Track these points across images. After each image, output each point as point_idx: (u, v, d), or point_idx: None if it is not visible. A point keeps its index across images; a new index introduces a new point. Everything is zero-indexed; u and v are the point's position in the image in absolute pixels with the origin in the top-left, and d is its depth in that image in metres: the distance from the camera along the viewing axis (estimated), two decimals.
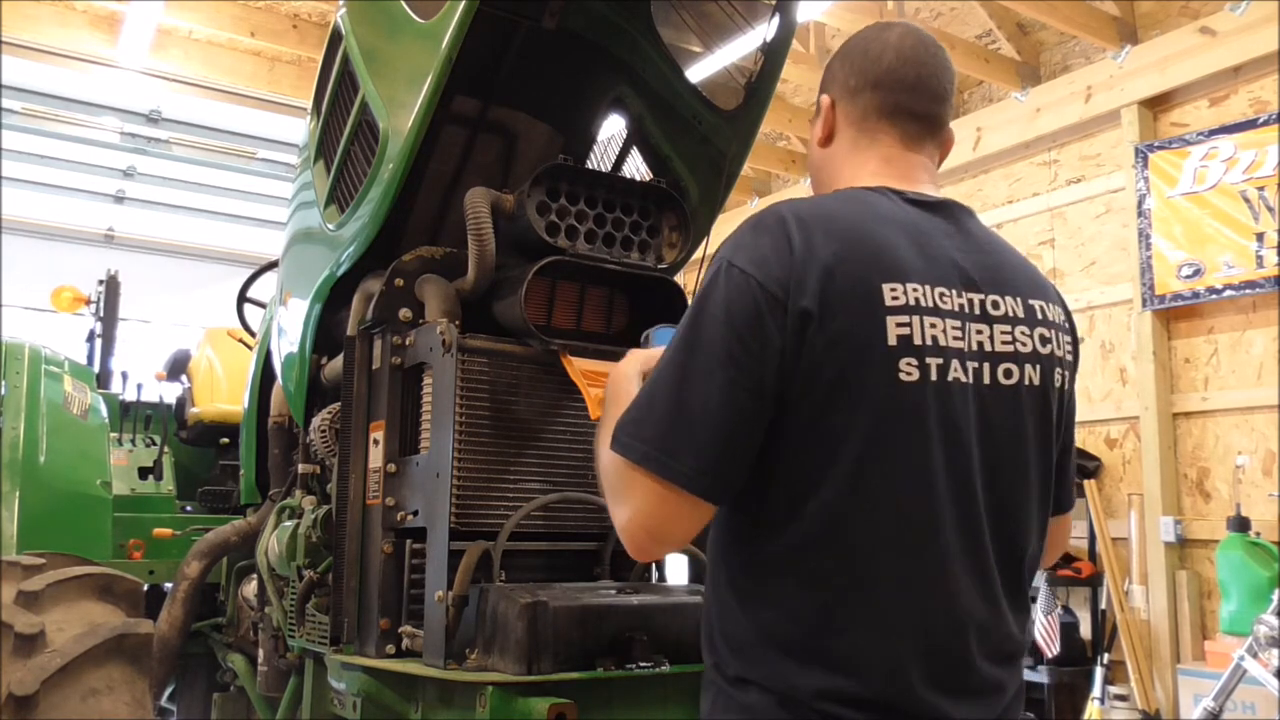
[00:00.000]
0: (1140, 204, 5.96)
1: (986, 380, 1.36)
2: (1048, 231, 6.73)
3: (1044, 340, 1.42)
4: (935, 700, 1.29)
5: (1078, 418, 5.64)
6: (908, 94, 1.48)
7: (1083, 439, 6.35)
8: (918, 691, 1.28)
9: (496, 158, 2.84)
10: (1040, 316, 1.44)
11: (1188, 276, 5.73)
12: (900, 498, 1.29)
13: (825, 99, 1.54)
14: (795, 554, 1.29)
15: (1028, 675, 5.84)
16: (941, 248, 1.39)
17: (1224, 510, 5.45)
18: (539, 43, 2.64)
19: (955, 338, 1.33)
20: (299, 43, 7.04)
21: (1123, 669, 5.73)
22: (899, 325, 1.28)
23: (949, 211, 1.47)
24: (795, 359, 1.26)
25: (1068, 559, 6.17)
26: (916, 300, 1.30)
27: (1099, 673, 5.72)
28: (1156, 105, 6.07)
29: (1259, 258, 5.41)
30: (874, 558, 1.28)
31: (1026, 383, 1.39)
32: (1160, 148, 5.90)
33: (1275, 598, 4.45)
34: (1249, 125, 5.52)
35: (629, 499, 1.29)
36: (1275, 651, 4.25)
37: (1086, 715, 5.73)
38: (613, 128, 2.90)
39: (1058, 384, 1.44)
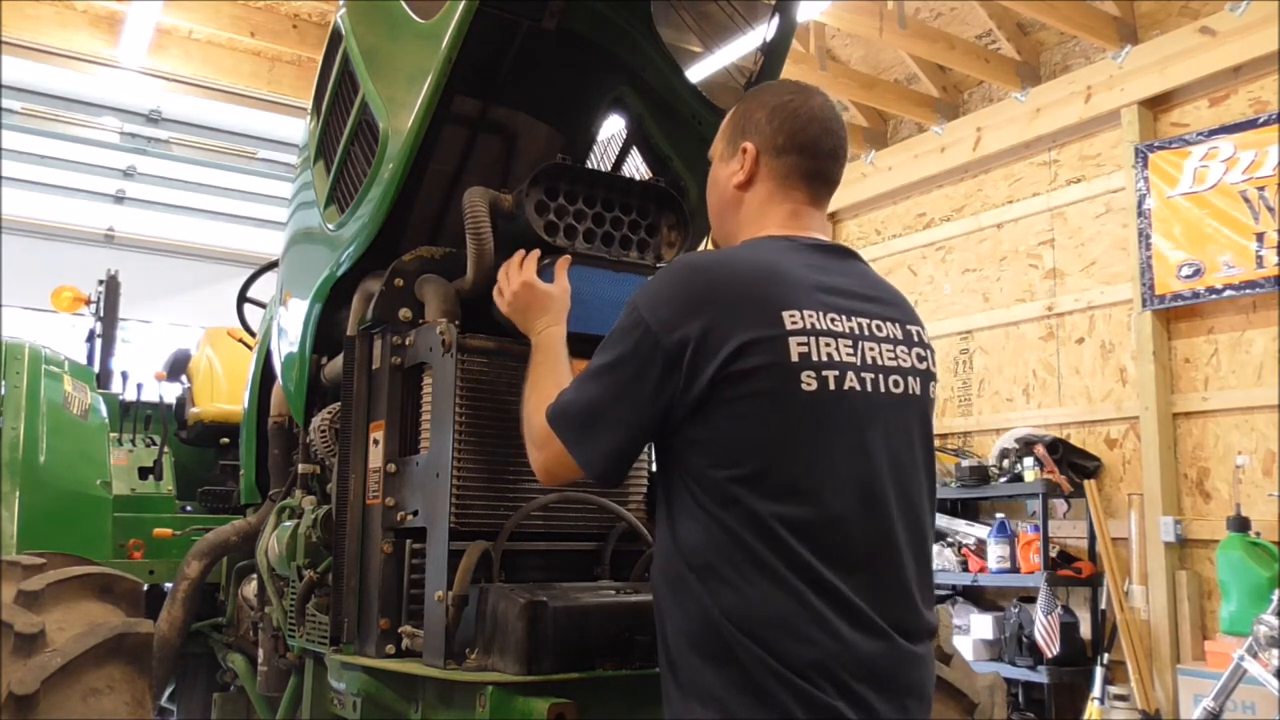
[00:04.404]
0: (1140, 204, 5.97)
1: (882, 389, 1.62)
2: (1048, 231, 6.74)
3: (920, 359, 1.70)
4: (863, 691, 1.48)
5: (1078, 418, 5.66)
6: (825, 161, 1.75)
7: (1083, 439, 6.36)
8: (851, 686, 1.47)
9: (496, 158, 2.84)
10: (915, 339, 1.72)
11: (1188, 276, 5.74)
12: (807, 496, 1.51)
13: (750, 147, 1.75)
14: (732, 549, 1.50)
15: (1028, 675, 5.86)
16: (831, 282, 1.64)
17: (1224, 510, 5.45)
18: (539, 43, 2.64)
19: (848, 354, 1.59)
20: (299, 43, 7.04)
21: (1123, 669, 5.74)
22: (799, 345, 1.54)
23: (838, 253, 1.74)
24: (704, 385, 1.51)
25: (1068, 559, 6.18)
26: (812, 324, 1.56)
27: (1099, 673, 5.72)
28: (1156, 105, 6.08)
29: (1259, 258, 5.42)
30: (793, 550, 1.49)
31: (911, 393, 1.66)
32: (1160, 148, 5.90)
33: (1275, 598, 4.45)
34: (1249, 125, 5.52)
35: (546, 451, 1.68)
36: (1275, 651, 4.26)
37: (1086, 715, 5.73)
38: (613, 128, 2.91)
39: (932, 396, 1.74)
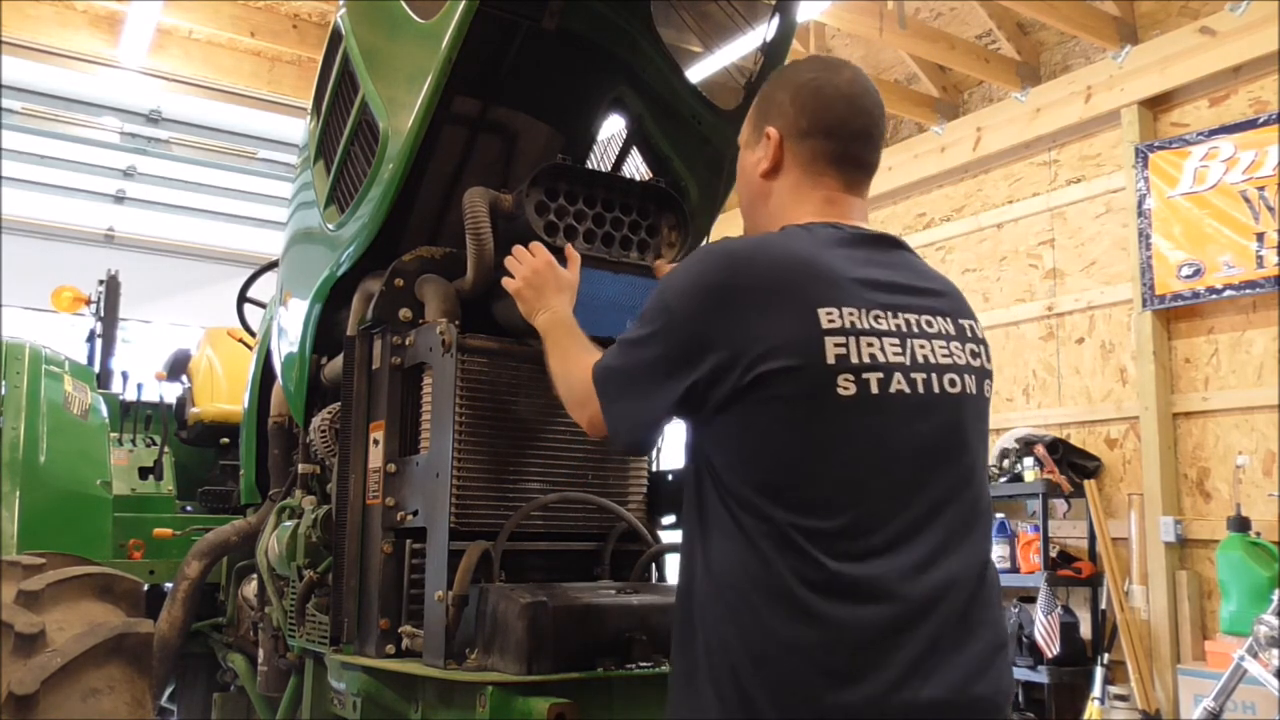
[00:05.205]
0: (1140, 204, 5.96)
1: (936, 390, 1.49)
2: (1048, 231, 6.73)
3: (974, 355, 1.58)
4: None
5: (1078, 418, 5.64)
6: (856, 144, 1.61)
7: (1083, 439, 6.36)
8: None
9: (496, 158, 2.84)
10: (969, 334, 1.59)
11: (1188, 276, 5.73)
12: (840, 511, 1.39)
13: (773, 132, 1.63)
14: (761, 571, 1.39)
15: (1028, 675, 5.85)
16: (875, 275, 1.51)
17: (1224, 510, 5.45)
18: (539, 43, 2.64)
19: (895, 353, 1.45)
20: (299, 43, 7.04)
21: (1123, 669, 5.73)
22: (836, 346, 1.41)
23: (883, 243, 1.59)
24: (729, 387, 1.41)
25: (1068, 559, 6.18)
26: (852, 323, 1.43)
27: (1099, 673, 5.72)
28: (1156, 105, 6.07)
29: (1259, 258, 5.41)
30: (831, 577, 1.37)
31: (967, 391, 1.53)
32: (1160, 148, 5.90)
33: (1275, 598, 4.45)
34: (1249, 125, 5.52)
35: (590, 408, 1.62)
36: (1275, 651, 4.25)
37: (1086, 715, 5.73)
38: (613, 128, 2.91)
39: (987, 395, 1.60)
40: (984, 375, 1.59)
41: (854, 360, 1.41)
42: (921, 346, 1.49)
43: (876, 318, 1.46)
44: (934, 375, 1.49)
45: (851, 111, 1.60)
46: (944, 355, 1.51)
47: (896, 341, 1.46)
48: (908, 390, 1.45)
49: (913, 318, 1.51)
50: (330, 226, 2.46)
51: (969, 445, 1.53)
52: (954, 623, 1.42)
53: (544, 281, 1.97)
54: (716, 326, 1.43)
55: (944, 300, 1.58)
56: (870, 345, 1.43)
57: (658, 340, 1.50)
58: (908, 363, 1.46)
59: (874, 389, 1.42)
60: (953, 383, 1.51)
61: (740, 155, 1.74)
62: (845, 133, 1.60)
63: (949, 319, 1.56)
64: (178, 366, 5.10)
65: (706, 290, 1.46)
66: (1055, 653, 5.66)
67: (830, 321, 1.42)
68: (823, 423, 1.41)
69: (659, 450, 2.50)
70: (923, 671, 1.37)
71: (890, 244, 1.61)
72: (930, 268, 1.66)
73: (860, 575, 1.37)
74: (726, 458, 1.46)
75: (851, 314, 1.44)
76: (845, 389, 1.40)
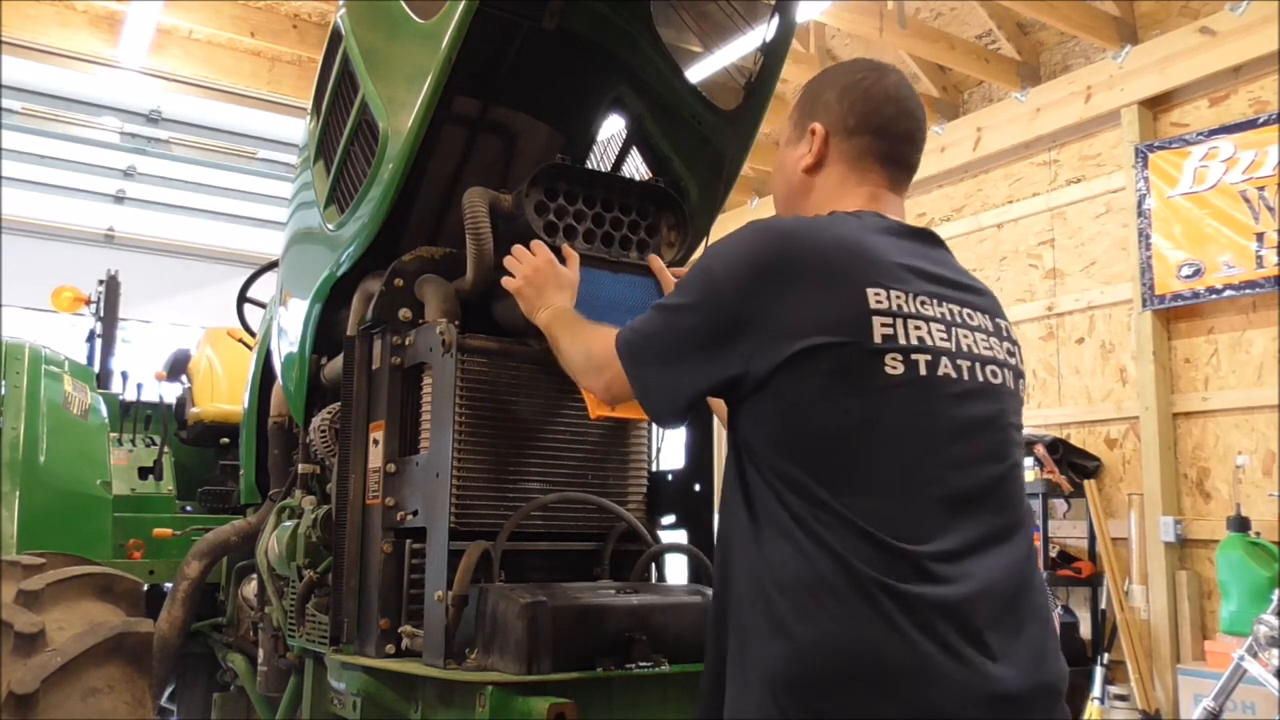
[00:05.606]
0: (1140, 204, 5.97)
1: (980, 379, 1.49)
2: (1048, 231, 6.74)
3: (1010, 353, 1.59)
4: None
5: (1078, 418, 5.65)
6: (902, 145, 1.64)
7: (1083, 439, 6.36)
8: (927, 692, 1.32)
9: (496, 158, 2.84)
10: (1004, 333, 1.60)
11: (1188, 276, 5.73)
12: (891, 486, 1.38)
13: (819, 128, 1.64)
14: (821, 561, 1.35)
15: None
16: (921, 265, 1.51)
17: (1224, 510, 5.45)
18: (539, 43, 2.64)
19: (942, 339, 1.46)
20: (299, 43, 7.05)
21: (1123, 669, 5.74)
22: (883, 325, 1.41)
23: (927, 238, 1.61)
24: (774, 362, 1.40)
25: (1067, 559, 6.18)
26: (899, 305, 1.43)
27: (1099, 673, 5.72)
28: (1156, 105, 6.08)
29: (1259, 258, 5.42)
30: (891, 559, 1.34)
31: (1008, 385, 1.54)
32: (1160, 148, 5.90)
33: (1275, 598, 4.45)
34: (1249, 125, 5.52)
35: (609, 372, 1.63)
36: (1275, 651, 4.25)
37: (1086, 715, 5.73)
38: (613, 128, 2.91)
39: (1022, 395, 1.61)
40: (1019, 374, 1.60)
41: (901, 341, 1.41)
42: (965, 336, 1.50)
43: (923, 303, 1.46)
44: (978, 365, 1.49)
45: (899, 113, 1.63)
46: (986, 348, 1.52)
47: (943, 328, 1.47)
48: (954, 375, 1.45)
49: (956, 308, 1.51)
50: (330, 226, 2.46)
51: (1011, 437, 1.53)
52: (1007, 608, 1.41)
53: (545, 280, 1.98)
54: (763, 302, 1.42)
55: (982, 298, 1.60)
56: (918, 329, 1.43)
57: (698, 311, 1.48)
58: (954, 349, 1.47)
59: (922, 370, 1.42)
60: (994, 374, 1.51)
61: (780, 152, 1.74)
62: (893, 133, 1.63)
63: (987, 316, 1.57)
64: (178, 366, 5.10)
65: (759, 266, 1.44)
66: None
67: (878, 302, 1.41)
68: (870, 400, 1.39)
69: (659, 450, 2.50)
70: (991, 654, 1.35)
71: (934, 240, 1.62)
72: (961, 265, 1.67)
73: (915, 553, 1.35)
74: (767, 434, 1.43)
75: (899, 297, 1.44)
76: (893, 368, 1.40)
